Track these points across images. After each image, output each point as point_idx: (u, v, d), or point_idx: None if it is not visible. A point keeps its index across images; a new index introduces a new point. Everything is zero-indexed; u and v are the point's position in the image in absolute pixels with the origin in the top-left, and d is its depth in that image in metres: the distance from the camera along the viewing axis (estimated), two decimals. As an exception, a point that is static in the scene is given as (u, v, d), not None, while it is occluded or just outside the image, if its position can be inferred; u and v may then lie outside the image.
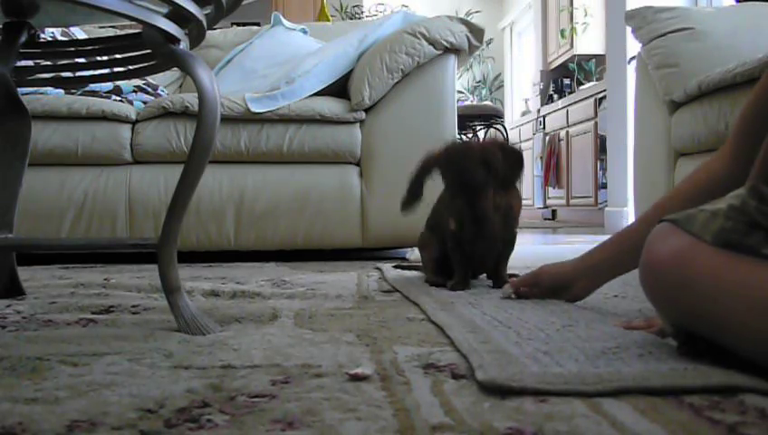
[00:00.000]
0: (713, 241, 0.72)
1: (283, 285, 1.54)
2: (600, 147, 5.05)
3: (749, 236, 0.70)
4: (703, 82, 2.03)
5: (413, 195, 1.37)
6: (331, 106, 2.34)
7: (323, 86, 2.41)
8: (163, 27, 0.98)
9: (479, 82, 8.73)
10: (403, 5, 6.76)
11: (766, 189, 0.73)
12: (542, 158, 6.46)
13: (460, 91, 8.30)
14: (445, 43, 2.37)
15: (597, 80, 6.17)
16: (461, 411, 0.58)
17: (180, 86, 3.03)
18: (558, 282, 1.22)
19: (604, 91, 4.75)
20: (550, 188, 6.26)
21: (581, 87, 6.05)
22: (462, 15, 4.17)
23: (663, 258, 0.77)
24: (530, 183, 6.87)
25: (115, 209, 2.26)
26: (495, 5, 8.89)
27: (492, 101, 8.46)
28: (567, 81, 6.92)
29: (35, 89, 2.25)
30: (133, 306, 1.20)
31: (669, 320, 0.80)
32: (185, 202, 1.03)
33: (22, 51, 1.19)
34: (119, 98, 2.39)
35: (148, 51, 1.18)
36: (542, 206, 6.55)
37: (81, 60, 1.29)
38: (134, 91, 2.46)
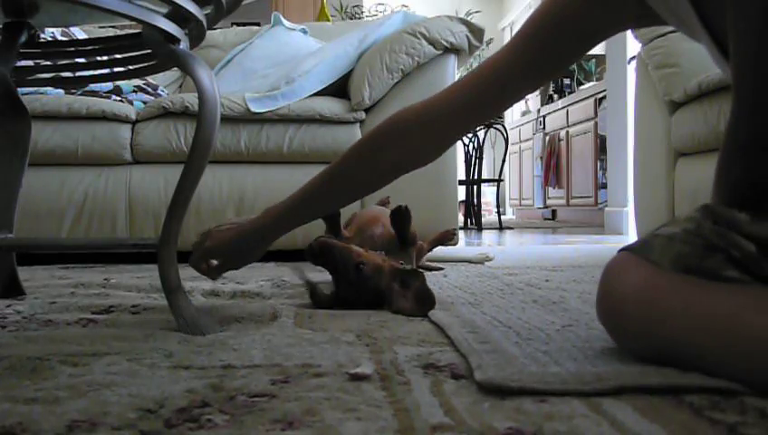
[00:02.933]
0: (672, 267, 0.70)
1: (283, 285, 1.54)
2: (600, 147, 5.06)
3: (707, 259, 0.69)
4: (703, 82, 2.03)
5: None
6: (331, 106, 2.34)
7: (323, 86, 2.41)
8: (163, 27, 0.98)
9: (479, 82, 8.73)
10: (403, 5, 6.76)
11: (719, 209, 0.72)
12: (542, 158, 6.46)
13: (460, 91, 8.29)
14: (445, 43, 2.37)
15: (597, 80, 6.17)
16: (461, 411, 0.58)
17: (180, 86, 3.03)
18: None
19: (604, 91, 4.75)
20: (550, 188, 6.26)
21: (581, 87, 6.06)
22: (462, 15, 4.16)
23: (626, 296, 0.73)
24: (530, 183, 6.87)
25: (115, 209, 2.26)
26: (495, 5, 8.90)
27: (492, 101, 8.45)
28: (567, 81, 6.92)
29: (35, 89, 2.25)
30: (133, 306, 1.20)
31: (638, 355, 0.74)
32: (185, 202, 1.03)
33: (22, 51, 1.19)
34: (119, 98, 2.39)
35: (148, 51, 1.18)
36: (542, 206, 6.55)
37: (81, 60, 1.29)
38: (134, 91, 2.46)
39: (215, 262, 1.12)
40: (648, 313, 0.70)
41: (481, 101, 0.91)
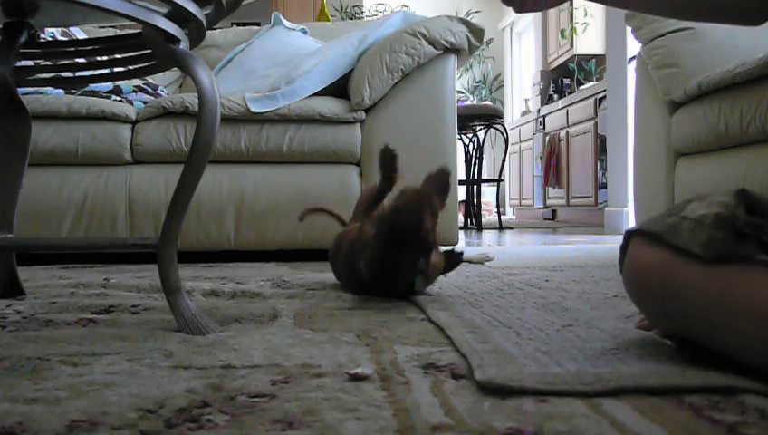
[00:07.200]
0: (703, 252, 0.70)
1: (283, 285, 1.54)
2: (600, 147, 5.05)
3: (741, 245, 0.68)
4: (703, 82, 2.03)
5: None
6: (331, 106, 2.34)
7: (323, 86, 2.41)
8: (163, 27, 0.98)
9: (479, 82, 8.73)
10: (403, 5, 6.76)
11: (755, 194, 0.72)
12: (541, 158, 6.46)
13: (460, 92, 8.31)
14: (445, 43, 2.37)
15: (597, 80, 6.17)
16: (461, 411, 0.58)
17: (180, 86, 3.03)
18: None
19: (604, 91, 4.75)
20: (550, 188, 6.26)
21: (581, 87, 6.05)
22: (462, 15, 4.17)
23: (648, 265, 0.76)
24: (530, 183, 6.87)
25: (115, 209, 2.26)
26: (495, 5, 8.89)
27: (492, 101, 8.46)
28: (567, 81, 6.92)
29: (35, 89, 2.25)
30: (133, 306, 1.20)
31: (659, 327, 0.79)
32: (185, 202, 1.03)
33: (22, 51, 1.19)
34: (119, 98, 2.39)
35: (149, 51, 1.18)
36: (542, 206, 6.55)
37: (81, 60, 1.29)
38: (134, 91, 2.46)
39: None
40: (667, 283, 0.72)
41: None
